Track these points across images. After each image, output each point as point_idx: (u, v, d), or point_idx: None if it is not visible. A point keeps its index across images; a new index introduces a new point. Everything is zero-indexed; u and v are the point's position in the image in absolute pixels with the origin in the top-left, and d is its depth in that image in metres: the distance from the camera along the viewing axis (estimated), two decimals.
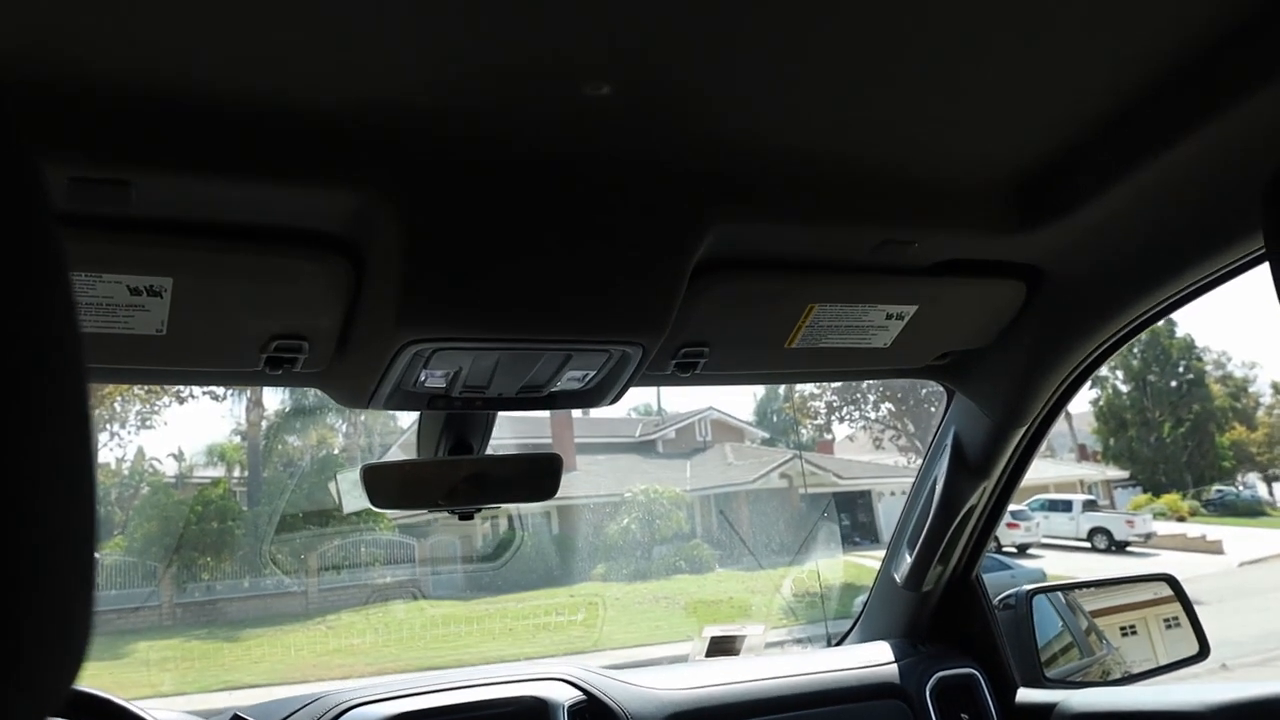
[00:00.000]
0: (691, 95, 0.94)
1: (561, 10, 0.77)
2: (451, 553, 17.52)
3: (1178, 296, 1.39)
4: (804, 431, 27.80)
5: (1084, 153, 1.11)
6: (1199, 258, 1.29)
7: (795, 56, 0.87)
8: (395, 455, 13.37)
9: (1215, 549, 22.54)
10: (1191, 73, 0.95)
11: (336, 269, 1.05)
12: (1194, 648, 1.93)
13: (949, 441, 1.75)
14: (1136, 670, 2.01)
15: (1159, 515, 25.74)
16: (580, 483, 18.76)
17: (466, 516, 1.42)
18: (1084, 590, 2.45)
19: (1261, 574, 18.85)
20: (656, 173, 1.06)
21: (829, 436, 29.37)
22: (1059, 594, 2.62)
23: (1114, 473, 30.65)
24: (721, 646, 2.90)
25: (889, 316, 1.40)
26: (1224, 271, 1.30)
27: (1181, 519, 25.98)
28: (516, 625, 14.85)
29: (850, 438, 29.14)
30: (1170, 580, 2.03)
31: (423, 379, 1.19)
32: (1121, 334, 1.51)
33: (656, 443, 22.77)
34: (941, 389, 1.79)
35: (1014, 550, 21.18)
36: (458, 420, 1.41)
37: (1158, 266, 1.34)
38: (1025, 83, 0.96)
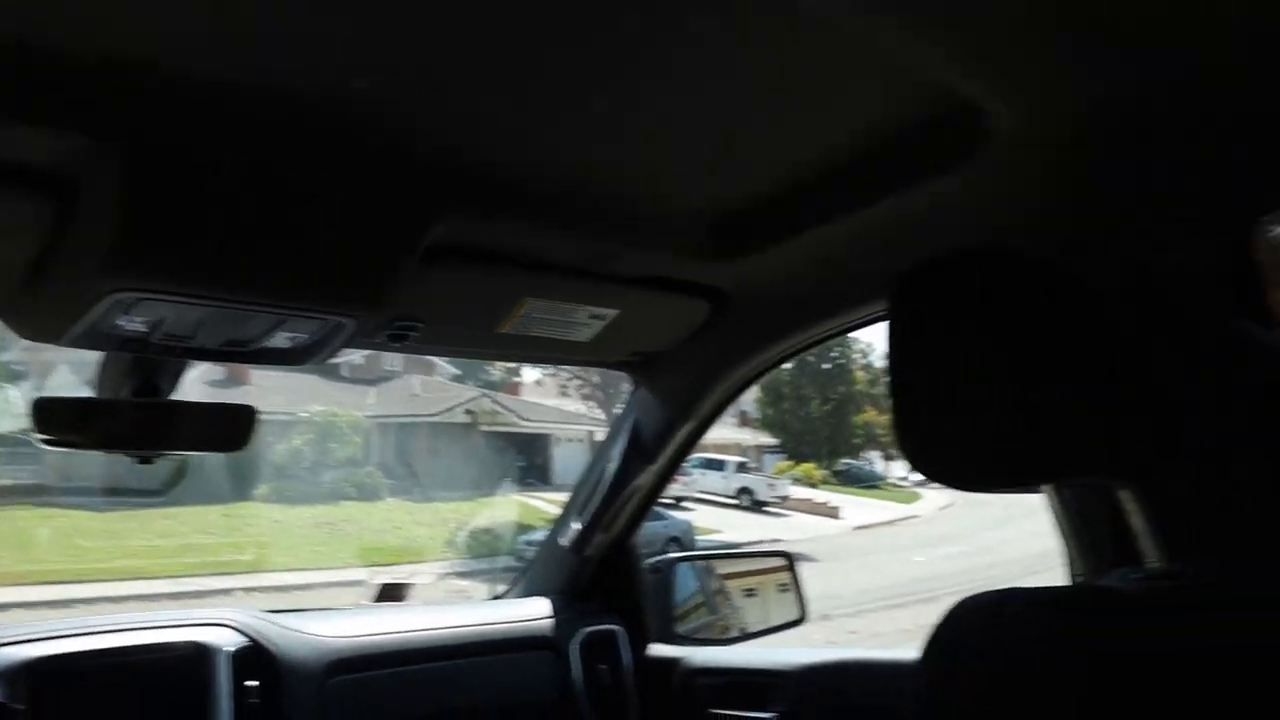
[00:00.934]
0: (436, 101, 1.00)
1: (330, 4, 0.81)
2: (91, 456, 15.81)
3: (840, 329, 1.67)
4: (495, 372, 28.07)
5: (771, 205, 1.30)
6: (858, 305, 1.56)
7: (531, 80, 0.97)
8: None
9: (835, 514, 25.90)
10: (855, 166, 1.16)
11: (40, 203, 0.99)
12: (796, 614, 2.29)
13: (627, 427, 1.94)
14: (751, 629, 2.35)
15: (797, 481, 29.01)
16: (250, 398, 17.63)
17: (145, 460, 1.38)
18: (722, 559, 2.80)
19: (869, 538, 21.91)
20: (393, 162, 1.11)
21: (518, 379, 29.92)
22: (700, 561, 2.96)
23: (766, 439, 34.04)
24: (390, 593, 2.97)
25: (592, 316, 1.55)
26: (879, 315, 1.56)
27: (814, 485, 29.48)
28: (160, 543, 13.81)
29: (539, 382, 29.87)
30: (786, 555, 2.39)
31: (121, 323, 1.15)
32: (789, 353, 1.78)
33: (341, 366, 21.94)
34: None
35: (671, 502, 22.93)
36: (148, 361, 1.36)
37: (823, 305, 1.60)
38: (727, 140, 1.13)
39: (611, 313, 1.55)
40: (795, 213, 1.27)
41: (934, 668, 0.78)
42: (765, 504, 26.10)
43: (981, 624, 0.78)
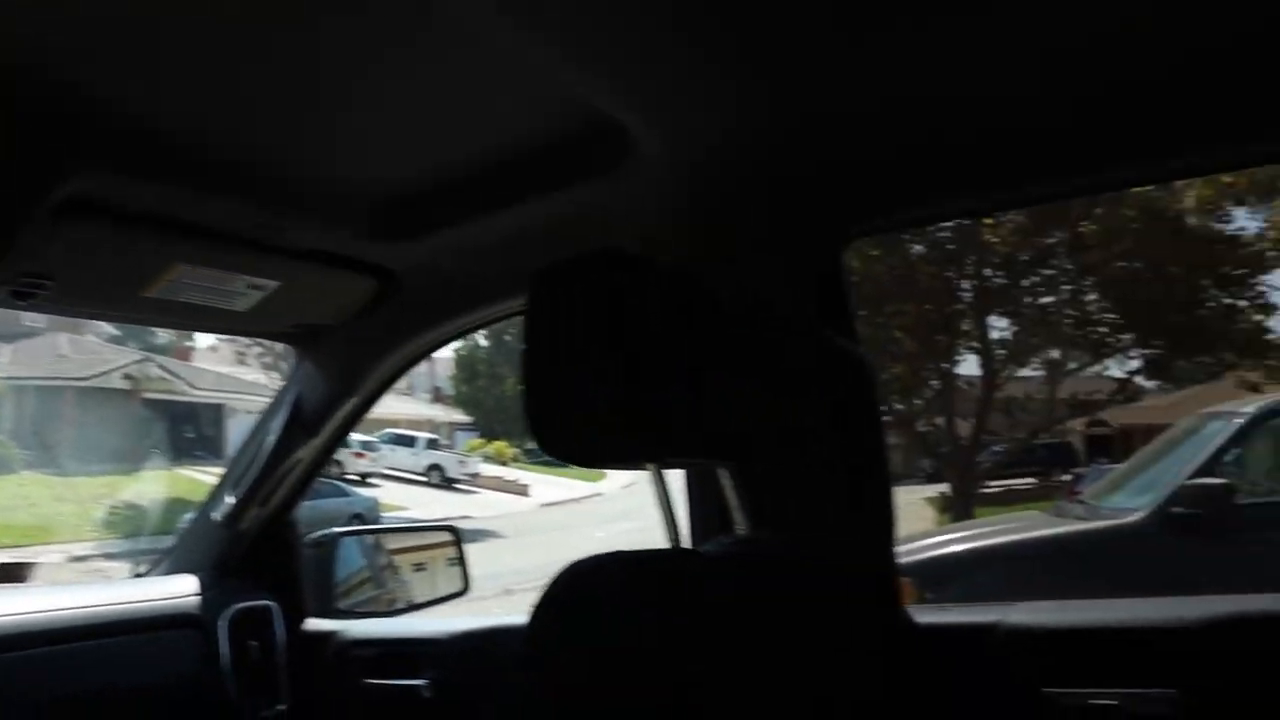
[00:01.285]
0: (75, 57, 0.95)
1: None
2: None
3: (503, 315, 1.74)
4: (162, 335, 25.52)
5: (432, 194, 1.35)
6: (513, 296, 1.64)
7: (180, 50, 0.95)
8: None
9: (524, 492, 26.38)
10: (506, 167, 1.24)
11: None
12: (459, 585, 2.36)
13: (289, 400, 1.90)
14: (417, 601, 2.39)
15: (489, 458, 29.17)
16: None
17: None
18: (390, 534, 2.80)
19: (556, 515, 22.53)
20: (21, 111, 1.03)
21: (190, 344, 27.41)
22: (368, 536, 2.94)
23: (460, 416, 33.86)
24: (8, 574, 2.67)
25: (250, 286, 1.51)
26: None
27: (505, 463, 29.81)
28: None
29: (213, 348, 27.57)
30: (452, 529, 2.45)
31: None
32: (456, 334, 1.83)
33: None
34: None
35: (357, 478, 22.21)
36: None
37: (484, 293, 1.67)
38: (390, 127, 1.16)
39: (272, 284, 1.52)
40: (453, 204, 1.33)
41: (538, 628, 0.84)
42: (456, 481, 26.02)
43: (584, 584, 0.88)
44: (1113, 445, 19.44)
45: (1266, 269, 11.88)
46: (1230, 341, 11.72)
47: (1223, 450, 4.99)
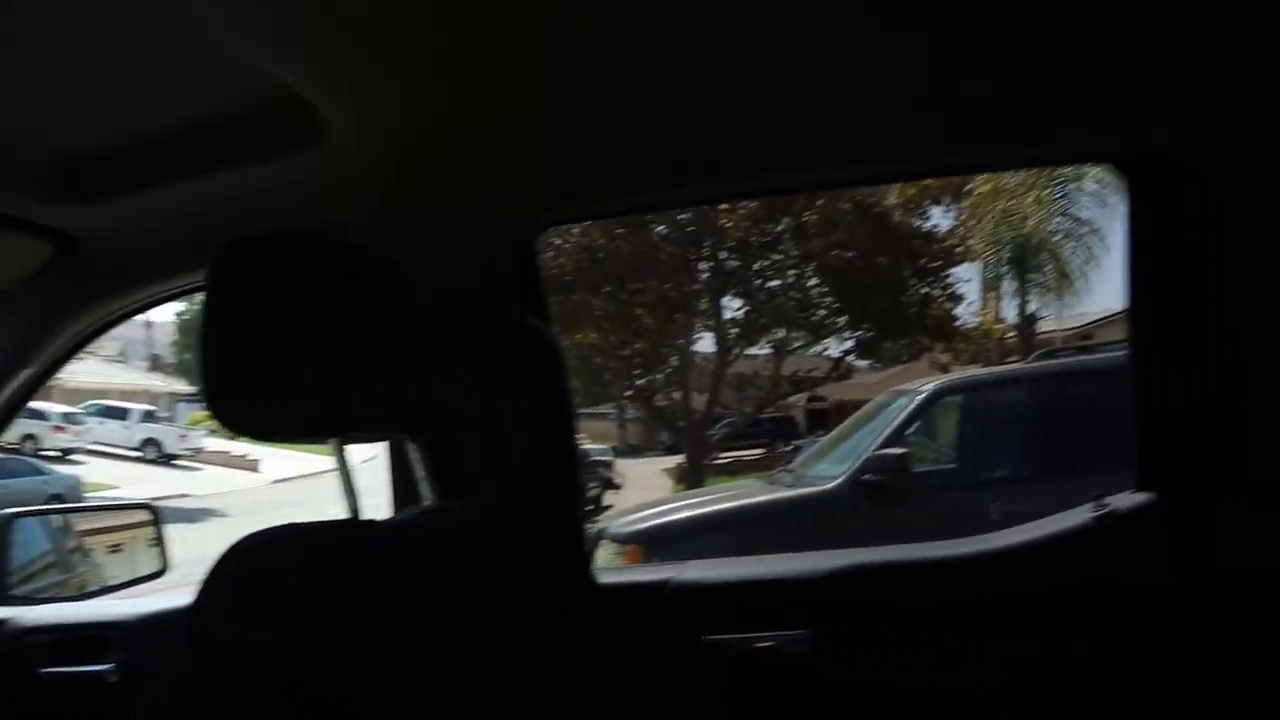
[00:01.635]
0: None
1: None
2: None
3: (193, 288, 1.67)
4: None
5: (117, 158, 1.29)
6: (197, 269, 1.59)
7: None
8: None
9: (253, 467, 24.84)
10: (190, 136, 1.21)
11: None
12: (158, 566, 2.24)
13: None
14: (111, 584, 2.24)
15: (214, 431, 27.13)
16: None
17: None
18: (80, 514, 2.60)
19: (288, 491, 21.40)
20: None
21: None
22: (54, 516, 2.71)
23: (182, 386, 31.24)
24: None
25: None
26: None
27: (232, 437, 27.83)
28: None
29: None
30: (150, 508, 2.32)
31: None
32: (142, 306, 1.73)
33: None
34: None
35: (57, 454, 19.98)
36: None
37: (174, 263, 1.60)
38: (66, 86, 1.10)
39: None
40: (135, 169, 1.28)
41: (205, 606, 0.82)
42: (176, 457, 24.06)
43: (252, 559, 0.89)
44: (829, 418, 21.29)
45: (956, 263, 13.46)
46: (925, 326, 13.20)
47: (905, 424, 5.66)
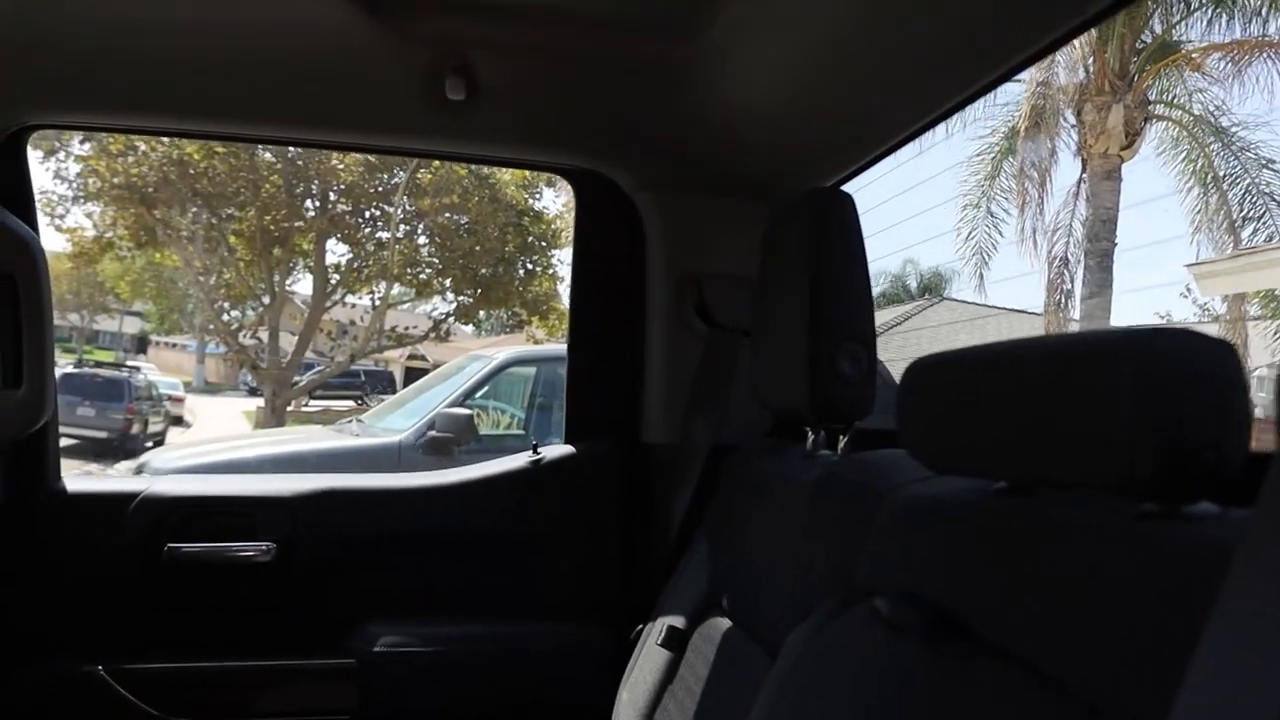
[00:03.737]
0: None
1: None
2: None
3: None
4: None
5: None
6: None
7: None
8: None
9: None
10: None
11: None
12: None
13: None
14: None
15: None
16: None
17: None
18: None
19: None
20: None
21: None
22: None
23: None
24: None
25: None
26: None
27: None
28: None
29: None
30: None
31: None
32: None
33: None
34: None
35: None
36: None
37: None
38: None
39: None
40: None
41: None
42: None
43: None
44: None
45: (560, 245, 14.19)
46: (525, 300, 13.77)
47: (476, 386, 5.92)
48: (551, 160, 1.61)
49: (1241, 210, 11.43)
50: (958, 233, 13.65)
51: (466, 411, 5.67)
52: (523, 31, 1.21)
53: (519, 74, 1.31)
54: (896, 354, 15.69)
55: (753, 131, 1.36)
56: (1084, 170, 11.59)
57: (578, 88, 1.35)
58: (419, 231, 13.31)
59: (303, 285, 15.83)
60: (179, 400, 20.31)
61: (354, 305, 15.14)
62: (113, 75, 1.32)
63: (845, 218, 1.12)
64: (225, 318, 14.40)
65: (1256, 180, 11.42)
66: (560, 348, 7.48)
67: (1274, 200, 11.39)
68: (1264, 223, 11.40)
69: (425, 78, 1.28)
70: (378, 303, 14.62)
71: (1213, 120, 11.52)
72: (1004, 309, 17.87)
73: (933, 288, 28.04)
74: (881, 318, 17.69)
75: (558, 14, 1.18)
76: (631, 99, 1.37)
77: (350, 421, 6.50)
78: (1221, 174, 11.47)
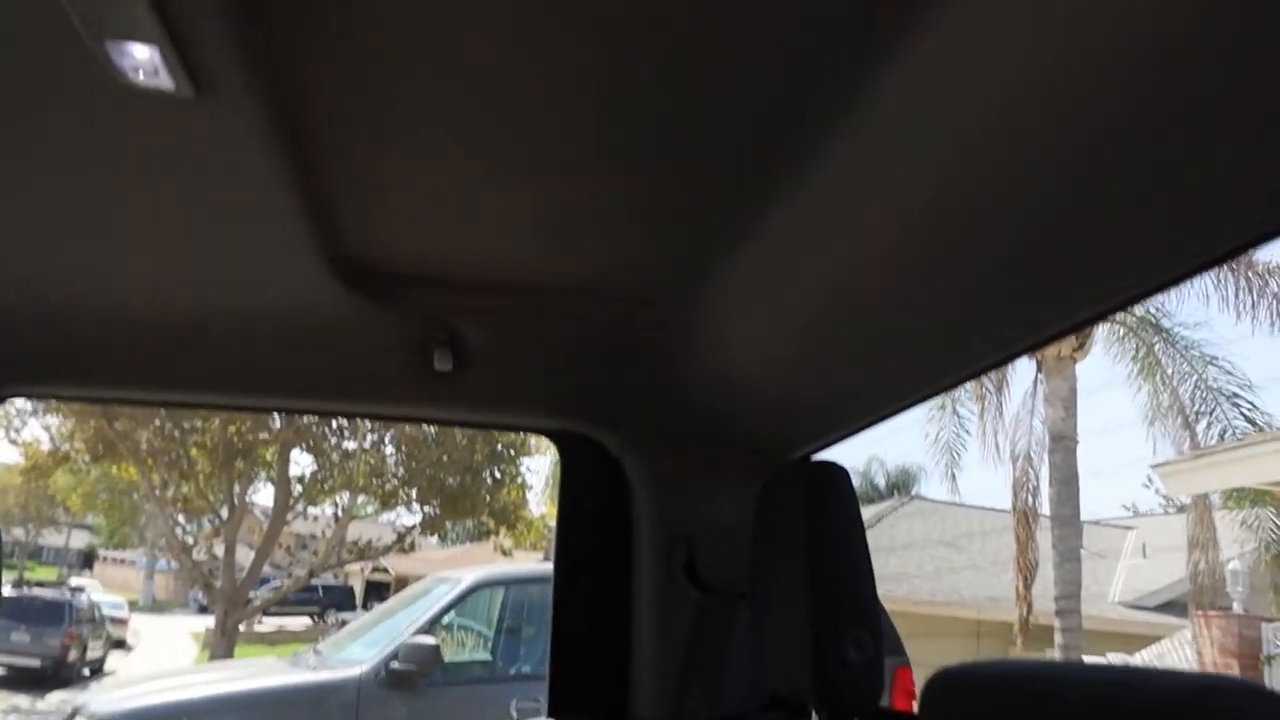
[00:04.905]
0: None
1: None
2: None
3: None
4: None
5: None
6: None
7: None
8: None
9: None
10: None
11: None
12: None
13: None
14: None
15: None
16: None
17: None
18: None
19: None
20: None
21: None
22: None
23: None
24: None
25: None
26: None
27: None
28: None
29: None
30: None
31: None
32: None
33: None
34: None
35: None
36: None
37: None
38: None
39: None
40: None
41: None
42: None
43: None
44: (389, 591, 20.63)
45: (529, 453, 14.13)
46: (492, 509, 13.54)
47: (442, 611, 5.66)
48: (538, 424, 1.58)
49: (1194, 405, 11.77)
50: (926, 433, 13.87)
51: (431, 641, 5.39)
52: (510, 304, 1.20)
53: (506, 344, 1.30)
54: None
55: (743, 396, 1.34)
56: (1039, 370, 11.94)
57: (564, 355, 1.34)
58: (386, 441, 13.22)
59: (262, 496, 15.48)
60: (123, 621, 19.33)
61: (316, 518, 14.78)
62: (97, 351, 1.29)
63: (842, 493, 1.09)
64: (179, 531, 13.94)
65: (1204, 377, 11.83)
66: (531, 567, 7.26)
67: (1223, 395, 11.77)
68: (1215, 417, 11.72)
69: (413, 350, 1.26)
70: (340, 514, 14.28)
71: (1154, 321, 12.06)
72: (977, 507, 17.88)
73: (901, 485, 28.14)
74: None
75: (544, 286, 1.18)
76: (618, 364, 1.35)
77: (306, 652, 6.15)
78: (1169, 371, 11.89)
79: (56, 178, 0.89)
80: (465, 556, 20.52)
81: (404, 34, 0.69)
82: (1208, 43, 0.51)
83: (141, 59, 0.66)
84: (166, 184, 0.88)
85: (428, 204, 0.99)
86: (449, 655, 5.77)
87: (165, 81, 0.69)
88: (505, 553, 14.20)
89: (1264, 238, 0.64)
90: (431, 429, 12.47)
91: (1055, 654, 10.93)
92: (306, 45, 0.70)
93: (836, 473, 1.12)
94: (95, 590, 20.27)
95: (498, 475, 13.48)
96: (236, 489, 13.78)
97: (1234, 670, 9.50)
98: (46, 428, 13.11)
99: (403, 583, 19.00)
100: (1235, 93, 0.54)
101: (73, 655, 14.32)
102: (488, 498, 13.39)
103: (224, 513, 13.89)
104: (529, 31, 0.68)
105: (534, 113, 0.79)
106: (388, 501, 13.76)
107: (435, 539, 17.98)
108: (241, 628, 14.20)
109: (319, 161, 0.86)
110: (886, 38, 0.64)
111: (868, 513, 18.66)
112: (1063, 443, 11.54)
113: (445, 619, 5.79)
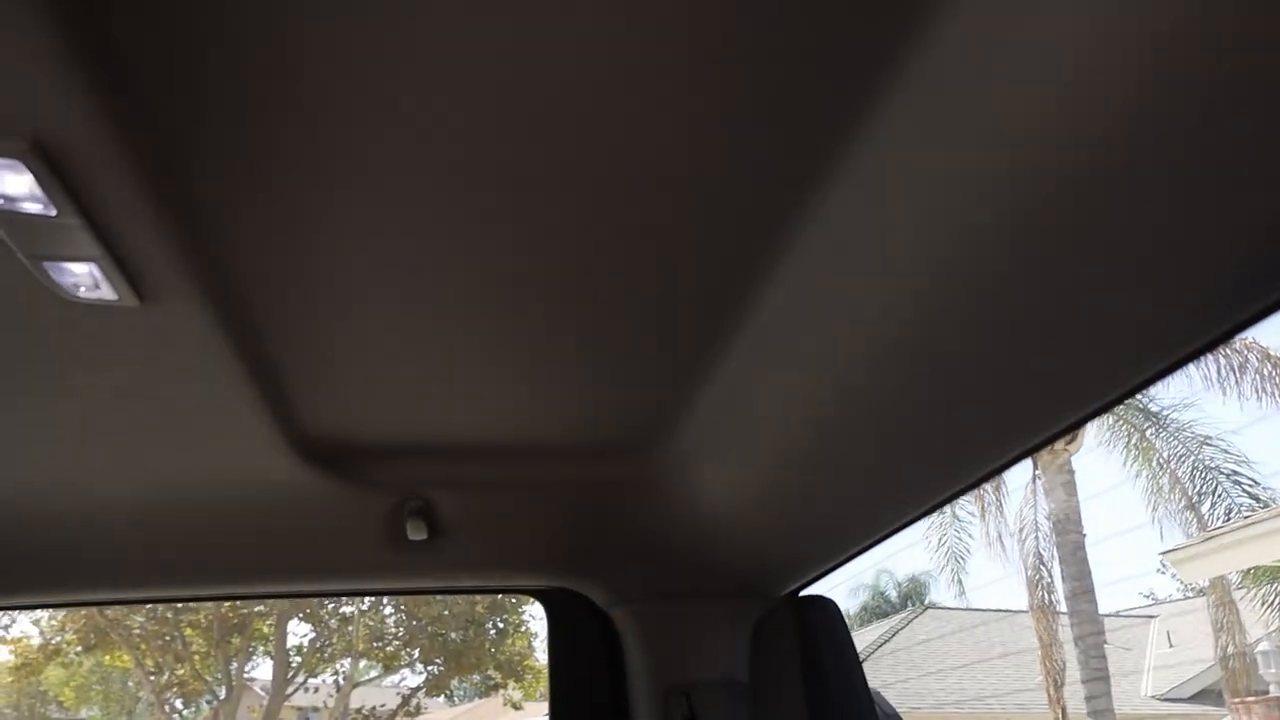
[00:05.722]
0: None
1: None
2: None
3: None
4: None
5: None
6: None
7: None
8: None
9: None
10: None
11: None
12: None
13: None
14: None
15: None
16: None
17: None
18: None
19: None
20: None
21: None
22: None
23: None
24: None
25: None
26: None
27: None
28: None
29: None
30: None
31: None
32: None
33: None
34: None
35: None
36: None
37: None
38: None
39: None
40: None
41: None
42: None
43: None
44: None
45: (530, 600, 13.77)
46: (498, 662, 13.11)
47: None
48: (520, 583, 1.56)
49: (1195, 486, 11.67)
50: (928, 541, 13.68)
51: None
52: (480, 469, 1.21)
53: (480, 508, 1.29)
54: (890, 673, 14.96)
55: (726, 539, 1.33)
56: (1035, 468, 11.88)
57: (542, 513, 1.33)
58: (384, 602, 12.90)
59: (261, 671, 14.96)
60: None
61: (316, 689, 14.25)
62: (61, 556, 1.27)
63: (833, 626, 1.07)
64: (176, 718, 13.39)
65: (1200, 457, 11.79)
66: None
67: (1221, 473, 11.70)
68: (1219, 496, 11.62)
69: (385, 523, 1.26)
70: (342, 682, 13.79)
71: (1141, 407, 12.09)
72: (992, 610, 17.44)
73: (913, 595, 27.51)
74: (867, 636, 17.08)
75: (514, 448, 1.19)
76: (597, 518, 1.35)
77: None
78: (1165, 455, 11.84)
79: (4, 393, 0.89)
80: (474, 714, 19.69)
81: (348, 221, 0.70)
82: (1174, 138, 0.53)
83: (81, 274, 0.67)
84: (119, 386, 0.89)
85: (388, 378, 1.00)
86: None
87: (108, 293, 0.70)
88: (516, 706, 13.67)
89: (1242, 326, 0.64)
90: None
91: None
92: (247, 243, 0.71)
93: (827, 606, 1.11)
94: None
95: (500, 625, 13.12)
96: (234, 666, 13.32)
97: None
98: (36, 621, 12.76)
99: None
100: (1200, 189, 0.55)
101: None
102: (492, 650, 12.98)
103: (222, 693, 13.39)
104: (473, 204, 0.70)
105: (487, 282, 0.80)
106: (390, 664, 13.32)
107: (442, 699, 17.32)
108: None
109: (273, 350, 0.88)
110: (827, 172, 0.66)
111: (882, 627, 18.10)
112: (1070, 537, 11.38)
113: None
